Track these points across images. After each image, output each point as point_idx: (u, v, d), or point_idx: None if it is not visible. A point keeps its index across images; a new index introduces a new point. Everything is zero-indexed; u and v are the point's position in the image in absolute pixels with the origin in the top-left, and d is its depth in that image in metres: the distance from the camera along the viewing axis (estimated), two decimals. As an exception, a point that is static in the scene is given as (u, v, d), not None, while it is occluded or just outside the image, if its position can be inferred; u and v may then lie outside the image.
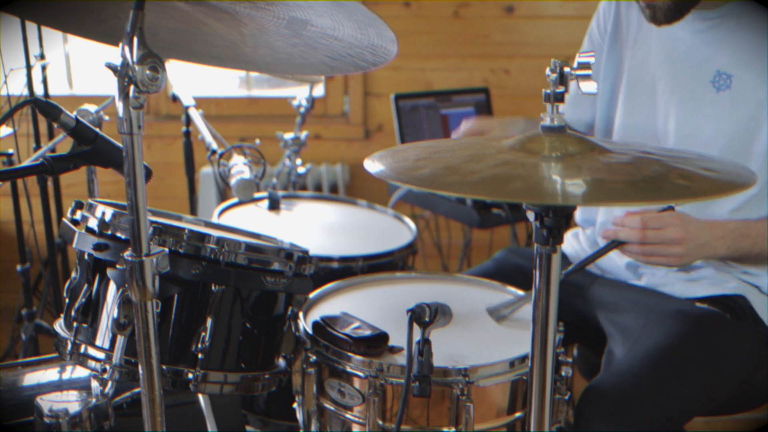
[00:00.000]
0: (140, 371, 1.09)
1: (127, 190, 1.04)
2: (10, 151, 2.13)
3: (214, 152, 1.92)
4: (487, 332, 1.48)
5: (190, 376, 1.30)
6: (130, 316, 1.19)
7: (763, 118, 1.61)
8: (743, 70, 1.62)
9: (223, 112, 3.33)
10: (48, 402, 1.21)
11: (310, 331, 1.41)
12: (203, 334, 1.30)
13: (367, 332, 1.36)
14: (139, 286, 1.05)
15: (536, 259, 1.07)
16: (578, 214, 1.92)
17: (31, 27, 2.19)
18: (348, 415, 1.37)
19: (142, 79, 0.98)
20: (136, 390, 1.37)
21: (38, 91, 2.27)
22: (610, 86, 1.84)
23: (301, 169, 2.51)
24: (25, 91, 2.18)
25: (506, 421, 1.37)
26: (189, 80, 2.42)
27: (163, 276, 1.08)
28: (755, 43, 1.62)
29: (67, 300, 1.34)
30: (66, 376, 1.52)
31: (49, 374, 1.52)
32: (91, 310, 1.30)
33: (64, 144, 1.83)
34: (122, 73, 0.99)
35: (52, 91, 2.37)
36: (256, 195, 2.06)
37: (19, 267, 2.47)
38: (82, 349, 1.29)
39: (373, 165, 1.10)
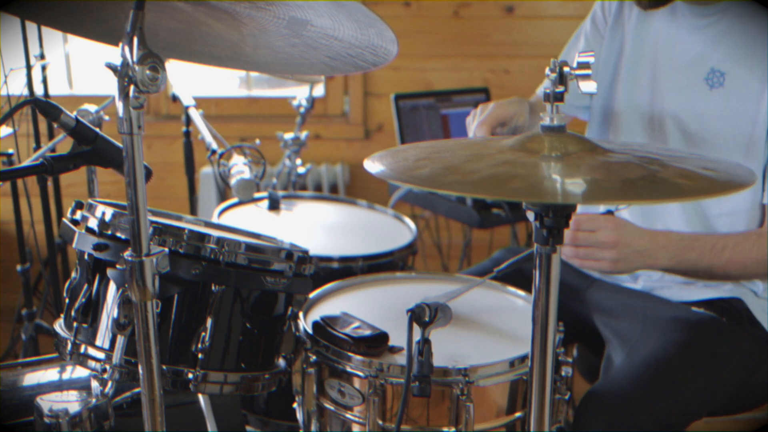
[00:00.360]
0: (140, 371, 1.09)
1: (127, 190, 1.04)
2: (10, 151, 2.14)
3: (214, 152, 1.92)
4: (487, 332, 1.48)
5: (190, 376, 1.29)
6: (130, 316, 1.18)
7: (755, 116, 1.59)
8: (737, 68, 1.61)
9: (223, 112, 3.33)
10: (48, 402, 1.21)
11: (310, 331, 1.41)
12: (203, 334, 1.30)
13: (367, 332, 1.36)
14: (139, 286, 1.05)
15: (536, 259, 1.07)
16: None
17: (31, 27, 2.19)
18: (348, 415, 1.37)
19: (142, 79, 0.98)
20: (136, 390, 1.37)
21: (38, 91, 2.27)
22: (613, 64, 1.81)
23: (301, 169, 2.51)
24: (25, 91, 2.17)
25: (506, 421, 1.37)
26: (189, 80, 2.42)
27: (163, 276, 1.08)
28: (751, 42, 1.61)
29: (67, 300, 1.34)
30: (66, 376, 1.52)
31: (49, 374, 1.52)
32: (91, 310, 1.30)
33: (64, 144, 1.83)
34: (122, 73, 0.99)
35: (52, 91, 2.37)
36: (256, 195, 2.06)
37: (19, 267, 2.47)
38: (82, 349, 1.29)
39: (373, 165, 1.10)
